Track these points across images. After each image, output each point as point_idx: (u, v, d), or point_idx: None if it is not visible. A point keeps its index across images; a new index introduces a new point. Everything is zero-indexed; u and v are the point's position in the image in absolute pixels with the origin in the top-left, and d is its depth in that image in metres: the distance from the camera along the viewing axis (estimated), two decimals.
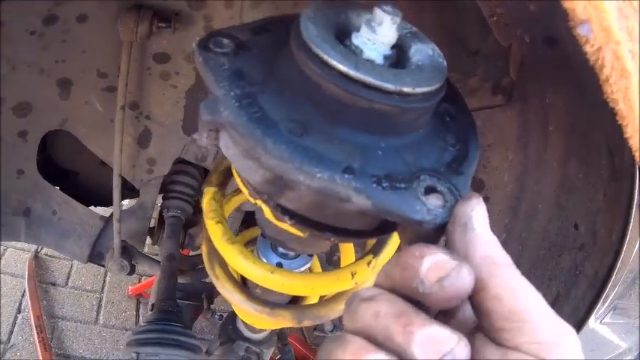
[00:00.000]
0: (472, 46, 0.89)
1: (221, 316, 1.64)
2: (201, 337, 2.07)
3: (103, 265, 1.27)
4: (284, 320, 0.61)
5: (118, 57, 1.02)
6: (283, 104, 0.39)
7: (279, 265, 0.65)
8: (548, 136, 0.84)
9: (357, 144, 0.38)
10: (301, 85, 0.39)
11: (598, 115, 0.66)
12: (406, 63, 0.42)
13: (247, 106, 0.38)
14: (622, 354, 1.11)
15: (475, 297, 0.33)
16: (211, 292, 1.44)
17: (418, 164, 0.40)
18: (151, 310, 1.09)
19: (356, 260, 0.61)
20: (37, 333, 1.90)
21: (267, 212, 0.46)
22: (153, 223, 1.44)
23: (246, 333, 0.98)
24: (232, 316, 1.00)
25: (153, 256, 1.33)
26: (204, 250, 0.67)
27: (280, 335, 1.31)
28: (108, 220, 1.26)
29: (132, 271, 1.25)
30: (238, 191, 0.73)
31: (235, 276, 0.67)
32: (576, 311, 0.82)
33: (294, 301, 0.75)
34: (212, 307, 1.49)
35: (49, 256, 2.34)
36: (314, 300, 0.72)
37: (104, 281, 2.31)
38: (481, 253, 0.33)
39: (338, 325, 1.15)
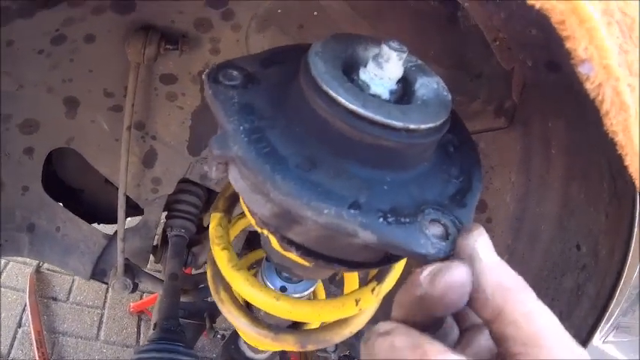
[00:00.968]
0: (475, 69, 0.90)
1: (223, 335, 1.63)
2: (203, 354, 2.06)
3: (106, 283, 1.27)
4: (288, 344, 0.61)
5: (124, 77, 1.03)
6: (292, 139, 0.40)
7: (283, 288, 0.66)
8: (550, 159, 0.85)
9: (363, 178, 0.39)
10: (310, 121, 0.40)
11: (599, 139, 0.67)
12: (411, 97, 0.43)
13: (256, 141, 0.39)
14: None
15: (492, 325, 0.33)
16: (213, 311, 1.44)
17: (423, 198, 0.40)
18: (154, 329, 1.08)
19: (360, 287, 0.61)
20: (37, 348, 1.89)
21: (274, 242, 0.47)
22: (156, 241, 1.44)
23: (249, 353, 0.98)
24: (235, 335, 1.00)
25: (155, 273, 1.33)
26: (209, 274, 0.67)
27: (282, 356, 1.30)
28: (111, 238, 1.26)
29: (134, 289, 1.25)
30: (243, 214, 0.73)
31: (239, 299, 0.67)
32: (579, 332, 0.81)
33: (296, 324, 0.75)
34: (214, 326, 1.48)
35: (51, 270, 2.33)
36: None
37: (106, 297, 2.30)
38: (492, 280, 0.34)
39: (340, 345, 1.15)
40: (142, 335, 2.18)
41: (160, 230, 1.38)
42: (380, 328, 0.34)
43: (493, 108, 0.89)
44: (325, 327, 0.63)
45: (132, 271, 1.23)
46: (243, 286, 0.58)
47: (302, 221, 0.39)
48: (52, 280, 2.32)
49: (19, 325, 2.04)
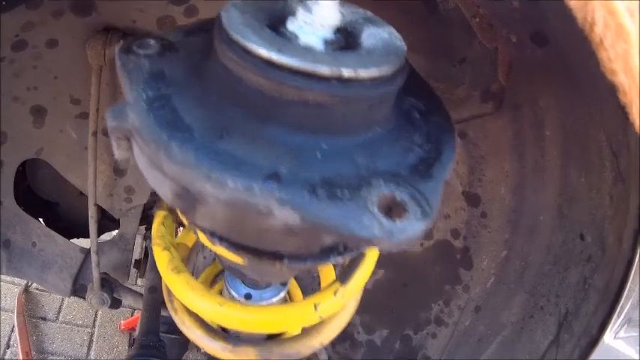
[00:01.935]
0: (458, 54, 0.85)
1: None
2: None
3: (84, 298, 1.21)
4: (247, 357, 0.54)
5: (90, 82, 0.99)
6: (204, 106, 0.33)
7: (248, 295, 0.59)
8: (544, 142, 0.79)
9: (289, 146, 0.32)
10: (224, 83, 0.33)
11: (597, 114, 0.61)
12: (356, 48, 0.36)
13: (157, 109, 0.32)
14: None
15: None
16: None
17: (372, 168, 0.33)
18: (132, 346, 1.02)
19: (321, 289, 0.54)
20: None
21: (201, 234, 0.39)
22: (140, 254, 1.38)
23: None
24: None
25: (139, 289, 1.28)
26: (163, 281, 0.61)
27: None
28: (88, 252, 1.20)
29: (115, 305, 1.20)
30: None
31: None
32: (588, 329, 0.75)
33: (274, 335, 0.68)
34: None
35: (40, 290, 2.29)
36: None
37: (96, 316, 2.25)
38: None
39: (333, 356, 1.08)
40: None
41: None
42: None
43: (479, 93, 0.83)
44: (292, 337, 0.56)
45: (110, 285, 1.18)
46: (183, 290, 0.51)
47: (204, 200, 0.32)
48: (41, 300, 2.27)
49: (8, 347, 2.00)
